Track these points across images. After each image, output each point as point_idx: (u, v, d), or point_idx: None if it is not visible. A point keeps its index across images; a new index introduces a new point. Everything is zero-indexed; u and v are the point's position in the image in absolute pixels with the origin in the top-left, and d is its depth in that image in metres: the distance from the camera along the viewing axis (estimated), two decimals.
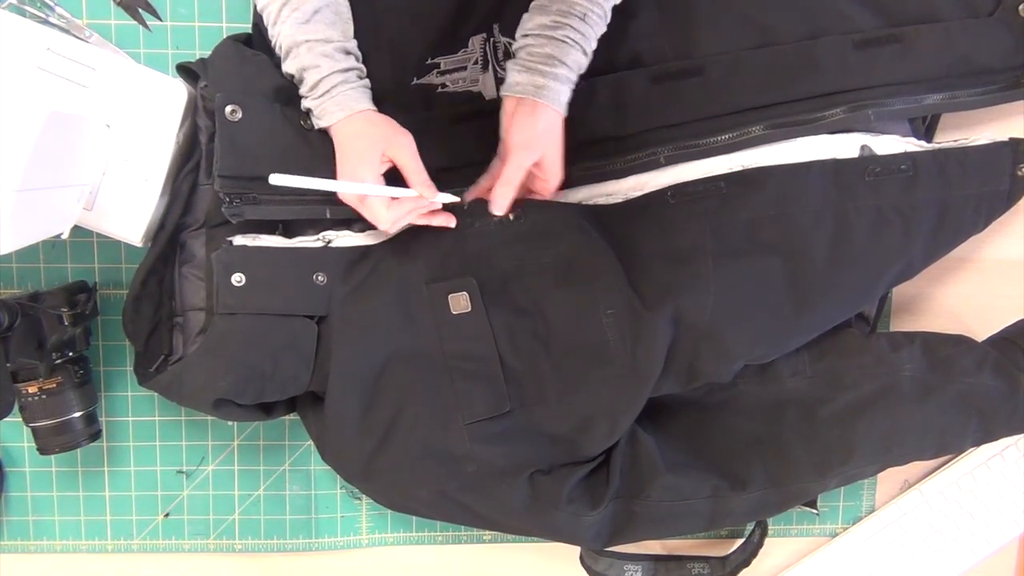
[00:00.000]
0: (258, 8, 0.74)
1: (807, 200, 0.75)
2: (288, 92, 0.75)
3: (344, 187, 0.70)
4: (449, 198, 0.73)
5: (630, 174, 0.79)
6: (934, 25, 0.79)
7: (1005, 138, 0.79)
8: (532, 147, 0.72)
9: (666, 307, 0.74)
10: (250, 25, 0.79)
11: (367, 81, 0.74)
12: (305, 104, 0.73)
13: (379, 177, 0.70)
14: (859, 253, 0.76)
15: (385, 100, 0.76)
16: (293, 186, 0.64)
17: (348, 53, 0.73)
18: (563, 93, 0.72)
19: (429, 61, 0.78)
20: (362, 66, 0.74)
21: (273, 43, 0.73)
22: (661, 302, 0.74)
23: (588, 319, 0.76)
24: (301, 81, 0.72)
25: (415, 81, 0.77)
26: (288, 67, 0.73)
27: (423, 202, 0.71)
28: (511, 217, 0.75)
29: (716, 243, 0.74)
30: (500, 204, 0.73)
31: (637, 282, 0.75)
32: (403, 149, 0.70)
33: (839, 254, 0.75)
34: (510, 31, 0.76)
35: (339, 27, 0.73)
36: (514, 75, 0.73)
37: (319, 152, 0.74)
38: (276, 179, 0.63)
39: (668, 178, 0.78)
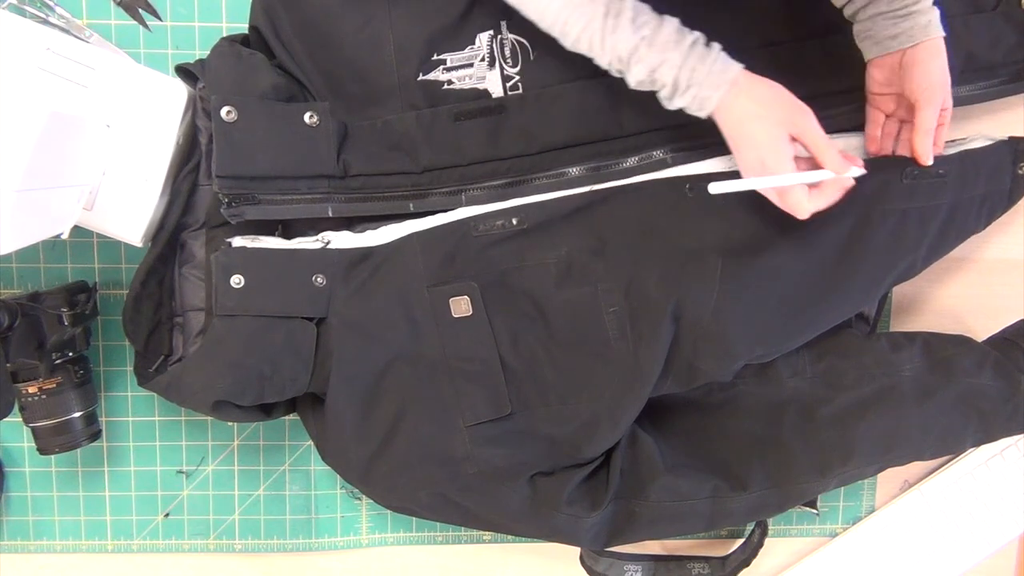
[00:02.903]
0: (571, 42, 0.69)
1: None
2: (287, 90, 0.75)
3: (763, 183, 0.65)
4: (859, 171, 0.68)
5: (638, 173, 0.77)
6: None
7: (1005, 137, 0.79)
8: (942, 86, 0.69)
9: (668, 304, 0.73)
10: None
11: (716, 43, 0.68)
12: (676, 105, 0.68)
13: (792, 164, 0.65)
14: (871, 253, 0.75)
15: (390, 95, 0.76)
16: (730, 191, 0.64)
17: (680, 29, 0.67)
18: (938, 15, 0.69)
19: (435, 57, 0.77)
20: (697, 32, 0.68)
21: (607, 61, 0.68)
22: (664, 299, 0.74)
23: (590, 318, 0.75)
24: (652, 84, 0.67)
25: (420, 77, 0.77)
26: (636, 75, 0.67)
27: (842, 181, 0.66)
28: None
29: (728, 241, 0.74)
30: (929, 153, 0.71)
31: (641, 279, 0.75)
32: (809, 126, 0.65)
33: (850, 255, 0.74)
34: (519, 28, 0.75)
35: (650, 5, 0.67)
36: (887, 31, 0.69)
37: (319, 148, 0.74)
38: (716, 187, 0.64)
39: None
